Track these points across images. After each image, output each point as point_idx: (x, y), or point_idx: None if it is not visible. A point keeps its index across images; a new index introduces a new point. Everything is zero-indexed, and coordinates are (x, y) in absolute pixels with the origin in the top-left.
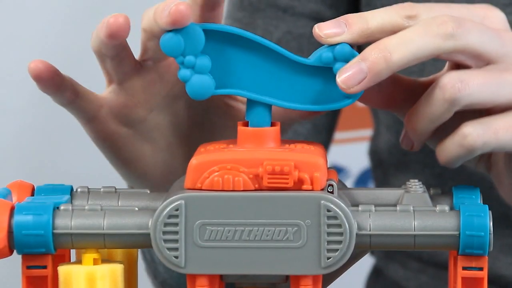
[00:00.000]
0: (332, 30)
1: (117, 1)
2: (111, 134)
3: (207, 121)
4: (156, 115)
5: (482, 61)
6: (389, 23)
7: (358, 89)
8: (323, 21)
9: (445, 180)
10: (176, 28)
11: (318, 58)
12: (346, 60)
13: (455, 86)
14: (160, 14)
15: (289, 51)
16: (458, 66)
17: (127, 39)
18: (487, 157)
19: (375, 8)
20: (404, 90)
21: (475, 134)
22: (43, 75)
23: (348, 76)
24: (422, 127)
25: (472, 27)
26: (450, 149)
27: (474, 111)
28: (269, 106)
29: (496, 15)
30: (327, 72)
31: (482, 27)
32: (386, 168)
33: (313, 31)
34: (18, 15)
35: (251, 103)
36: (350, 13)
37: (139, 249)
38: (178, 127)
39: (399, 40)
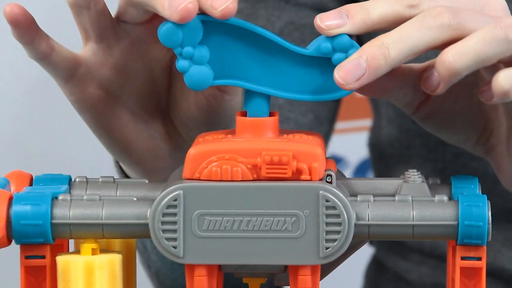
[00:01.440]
0: (334, 22)
1: None
2: (90, 97)
3: (184, 99)
4: (134, 80)
5: None
6: (391, 14)
7: (356, 85)
8: (325, 11)
9: (446, 176)
10: None
11: (316, 48)
12: (345, 50)
13: None
14: (165, 4)
15: (292, 41)
16: None
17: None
18: (486, 139)
19: None
20: (399, 77)
21: None
22: (20, 20)
23: (347, 72)
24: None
25: (468, 16)
26: None
27: None
28: (267, 97)
29: (496, 2)
30: (325, 62)
31: (479, 15)
32: (387, 161)
33: (314, 22)
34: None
35: (249, 93)
36: (352, 2)
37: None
38: (158, 98)
39: (396, 37)
